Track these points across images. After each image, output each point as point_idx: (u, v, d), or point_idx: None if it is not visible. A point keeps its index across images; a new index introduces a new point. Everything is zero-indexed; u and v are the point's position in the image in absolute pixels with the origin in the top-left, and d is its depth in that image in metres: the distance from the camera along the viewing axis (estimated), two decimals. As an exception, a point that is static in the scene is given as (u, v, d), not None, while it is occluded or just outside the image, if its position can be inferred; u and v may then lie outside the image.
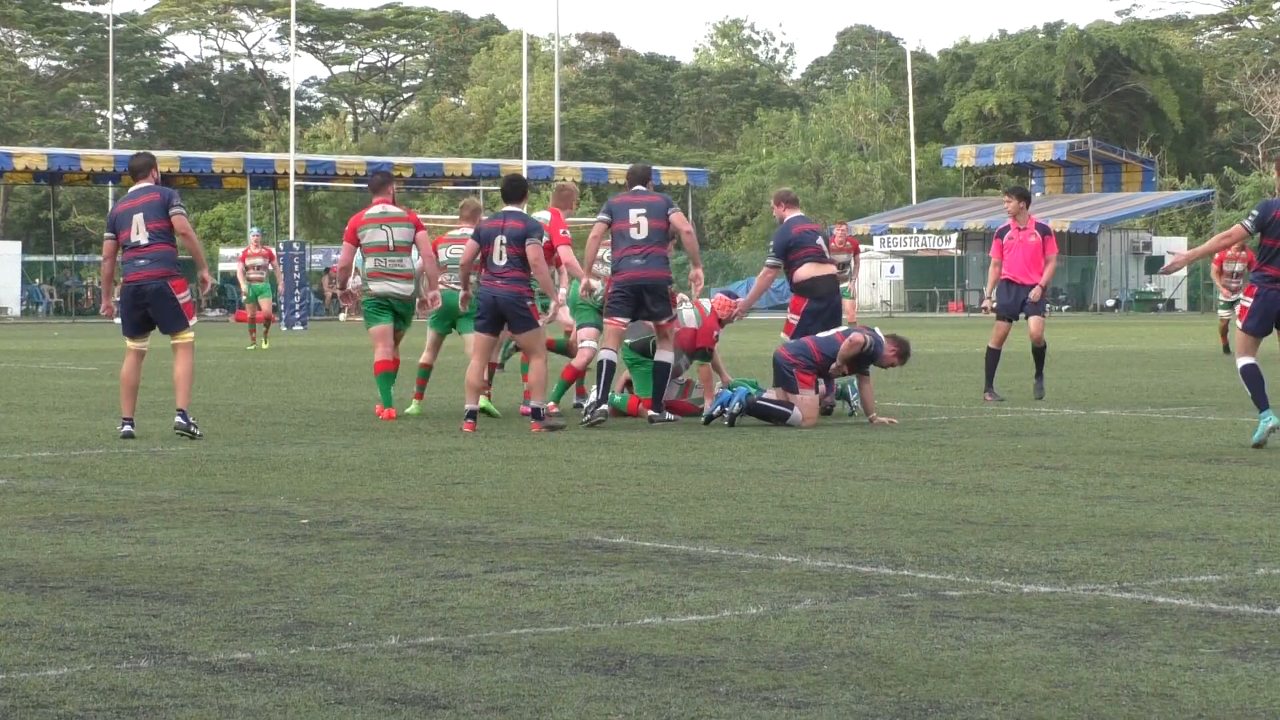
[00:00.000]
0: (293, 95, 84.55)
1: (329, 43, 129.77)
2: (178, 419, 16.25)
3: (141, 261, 16.12)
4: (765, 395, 17.81)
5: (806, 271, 18.43)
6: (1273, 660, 6.93)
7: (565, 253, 18.31)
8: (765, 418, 17.62)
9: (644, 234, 17.95)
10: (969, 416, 18.76)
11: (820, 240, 18.55)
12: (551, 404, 18.92)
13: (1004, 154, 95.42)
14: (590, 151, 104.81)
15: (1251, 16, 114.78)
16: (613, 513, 11.18)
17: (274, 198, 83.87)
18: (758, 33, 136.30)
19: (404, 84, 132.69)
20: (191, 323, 16.31)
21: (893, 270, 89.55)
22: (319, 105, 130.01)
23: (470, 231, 19.24)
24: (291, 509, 11.41)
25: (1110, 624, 7.62)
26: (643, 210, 18.03)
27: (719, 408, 17.63)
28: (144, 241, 16.09)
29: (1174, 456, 14.59)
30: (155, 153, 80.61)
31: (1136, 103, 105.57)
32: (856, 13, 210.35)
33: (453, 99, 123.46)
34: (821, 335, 18.10)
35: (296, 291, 58.36)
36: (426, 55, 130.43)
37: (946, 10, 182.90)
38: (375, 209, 18.94)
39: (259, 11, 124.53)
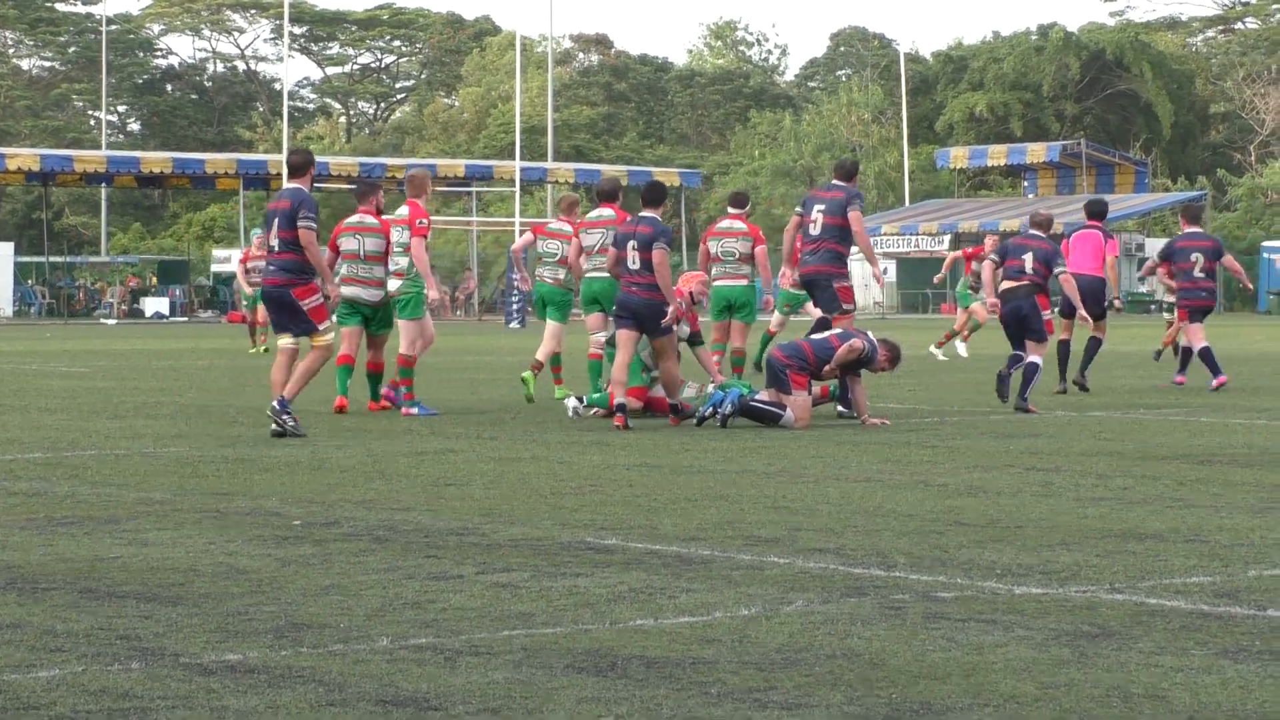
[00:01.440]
0: (286, 96, 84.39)
1: (322, 44, 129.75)
2: (274, 404, 16.52)
3: (271, 268, 16.85)
4: (758, 396, 17.82)
5: (1001, 283, 19.96)
6: (1264, 662, 6.93)
7: (417, 245, 19.22)
8: (758, 419, 17.63)
9: (818, 230, 18.61)
10: (961, 418, 18.78)
11: (1027, 255, 19.75)
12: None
13: (997, 155, 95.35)
14: (583, 153, 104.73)
15: (1249, 19, 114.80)
16: (605, 514, 11.18)
17: (267, 199, 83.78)
18: (751, 34, 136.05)
19: (397, 85, 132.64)
20: (322, 326, 16.68)
21: (885, 271, 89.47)
22: (312, 106, 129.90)
23: (566, 227, 20.69)
24: (283, 510, 11.41)
25: (1102, 625, 7.63)
26: (823, 206, 18.65)
27: (711, 409, 17.64)
28: (275, 247, 16.75)
29: (1166, 458, 14.60)
30: (149, 154, 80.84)
31: (1129, 104, 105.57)
32: (850, 14, 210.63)
33: (446, 100, 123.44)
34: (816, 337, 18.14)
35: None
36: (420, 56, 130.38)
37: (940, 12, 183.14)
38: (354, 219, 19.81)
39: (252, 12, 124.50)
